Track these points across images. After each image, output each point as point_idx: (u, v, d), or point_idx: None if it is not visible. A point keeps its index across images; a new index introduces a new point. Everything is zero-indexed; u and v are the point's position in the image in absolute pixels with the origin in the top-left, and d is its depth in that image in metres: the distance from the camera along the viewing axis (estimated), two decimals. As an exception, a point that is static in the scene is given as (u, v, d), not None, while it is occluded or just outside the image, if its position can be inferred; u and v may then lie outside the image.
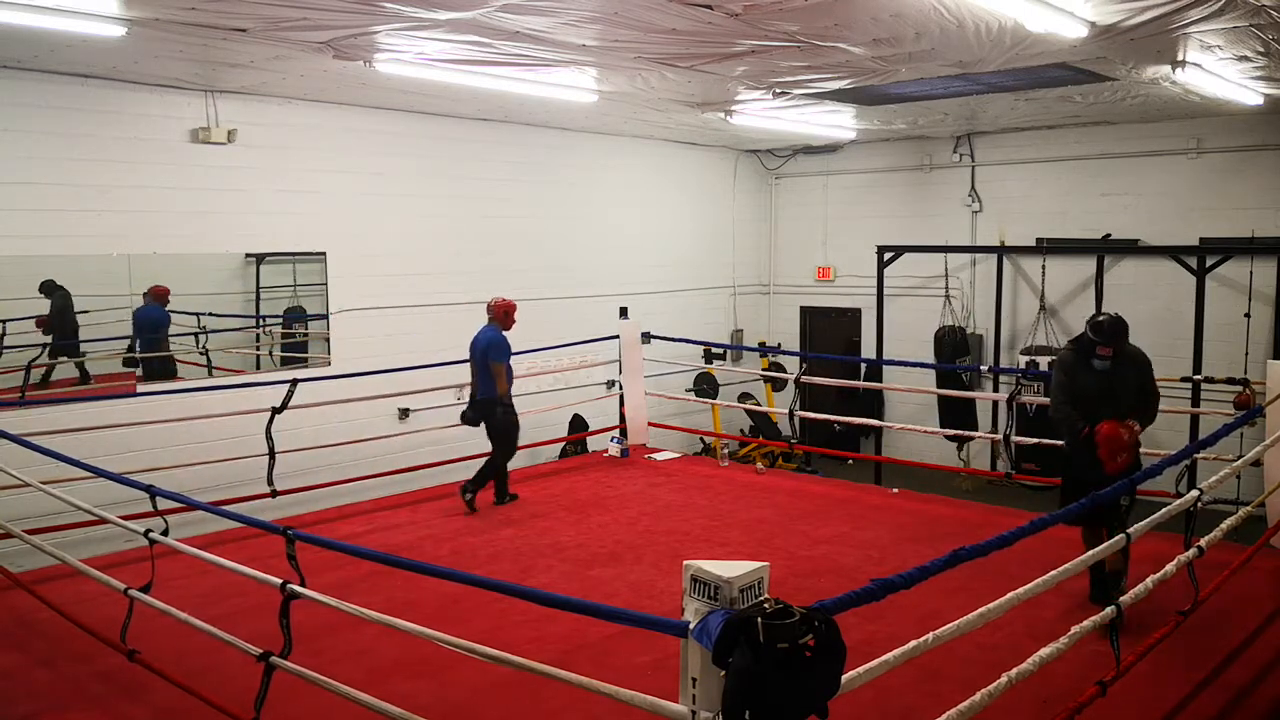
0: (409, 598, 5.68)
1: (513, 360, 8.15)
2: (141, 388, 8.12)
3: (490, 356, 8.07)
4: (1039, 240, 11.69)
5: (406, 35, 6.18)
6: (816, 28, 6.06)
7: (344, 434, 8.88)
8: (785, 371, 13.02)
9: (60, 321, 7.83)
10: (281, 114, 8.79)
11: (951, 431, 10.70)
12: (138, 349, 8.38)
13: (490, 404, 8.16)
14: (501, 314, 8.28)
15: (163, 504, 4.96)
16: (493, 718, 4.65)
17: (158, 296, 8.33)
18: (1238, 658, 5.06)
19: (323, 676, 4.09)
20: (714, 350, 12.28)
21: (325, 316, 9.34)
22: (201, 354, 8.86)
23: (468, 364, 8.38)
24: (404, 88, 8.22)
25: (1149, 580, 4.37)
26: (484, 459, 8.39)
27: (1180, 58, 7.02)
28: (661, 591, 6.18)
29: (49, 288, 7.67)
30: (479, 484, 8.26)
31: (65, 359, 7.99)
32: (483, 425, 8.30)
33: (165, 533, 4.91)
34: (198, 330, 8.78)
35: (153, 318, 8.41)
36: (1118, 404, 5.52)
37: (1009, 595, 3.66)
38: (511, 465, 9.01)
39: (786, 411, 9.46)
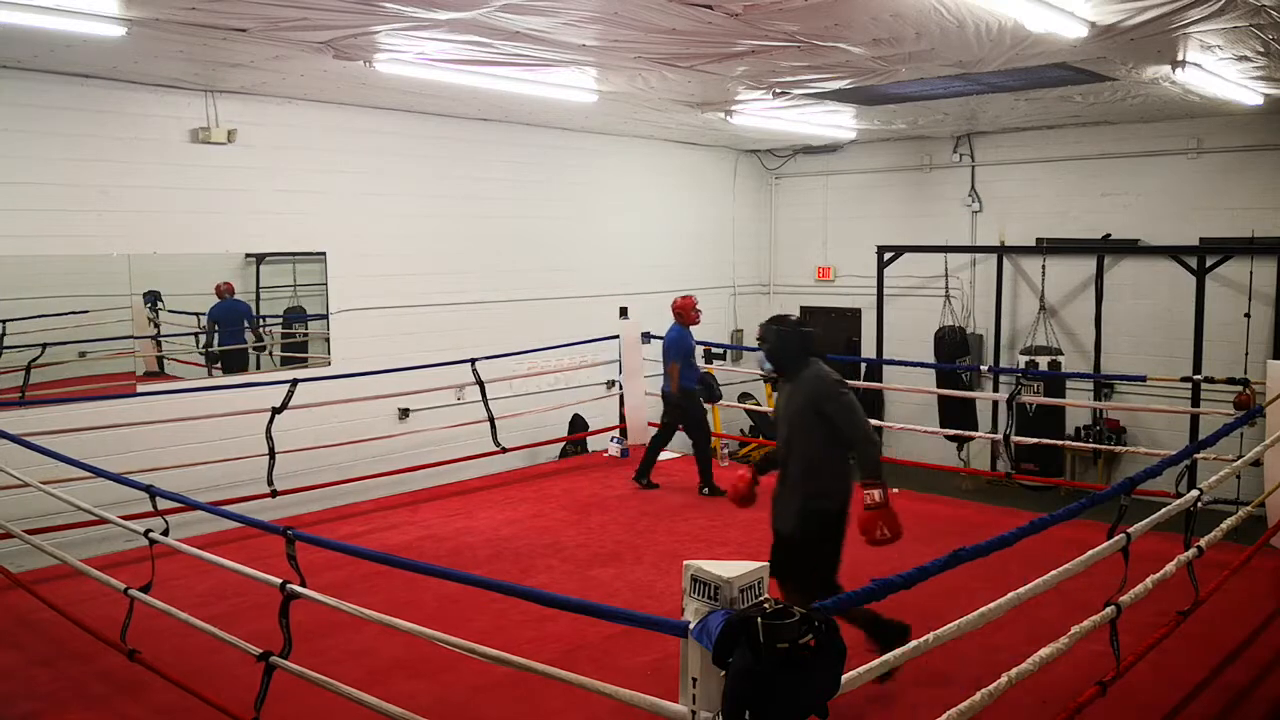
0: (409, 598, 5.68)
1: (514, 360, 8.14)
2: (205, 382, 8.32)
3: (670, 355, 8.63)
4: (1039, 240, 11.68)
5: (406, 35, 6.18)
6: (816, 28, 6.05)
7: (344, 434, 8.88)
8: (785, 371, 12.99)
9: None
10: (281, 114, 8.78)
11: (951, 431, 10.70)
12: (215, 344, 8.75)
13: (670, 398, 8.69)
14: (678, 311, 8.84)
15: (163, 504, 4.96)
16: (493, 718, 4.65)
17: (230, 291, 8.59)
18: (1238, 658, 5.06)
19: (323, 676, 4.10)
20: (714, 350, 12.28)
21: (325, 316, 9.33)
22: (201, 354, 8.87)
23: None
24: (404, 88, 8.21)
25: (1149, 580, 4.37)
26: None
27: (1180, 58, 7.02)
28: (661, 591, 6.18)
29: None
30: (647, 468, 8.86)
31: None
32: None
33: (165, 533, 4.91)
34: (198, 330, 8.78)
35: (236, 311, 8.71)
36: (781, 435, 4.68)
37: (1009, 595, 3.66)
38: (512, 465, 9.02)
39: (786, 411, 9.44)
